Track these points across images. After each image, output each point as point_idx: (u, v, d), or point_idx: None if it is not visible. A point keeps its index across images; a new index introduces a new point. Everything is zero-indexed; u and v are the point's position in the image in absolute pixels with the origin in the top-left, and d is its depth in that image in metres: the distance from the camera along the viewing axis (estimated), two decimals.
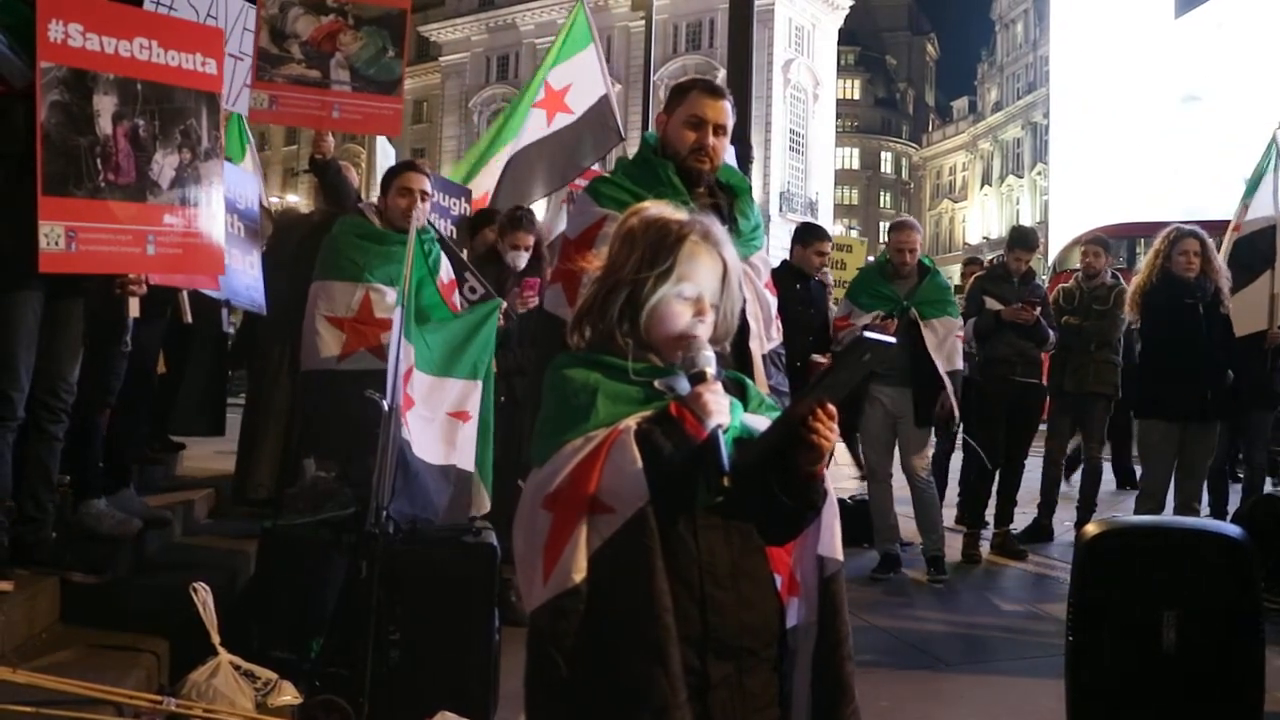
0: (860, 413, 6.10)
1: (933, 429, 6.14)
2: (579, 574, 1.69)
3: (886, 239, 6.43)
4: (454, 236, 5.80)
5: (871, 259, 8.20)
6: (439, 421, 4.09)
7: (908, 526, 6.44)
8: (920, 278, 6.05)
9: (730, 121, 3.13)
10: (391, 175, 4.63)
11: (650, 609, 1.66)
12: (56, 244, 3.20)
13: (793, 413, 1.69)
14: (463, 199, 6.49)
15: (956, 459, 7.46)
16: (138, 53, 3.41)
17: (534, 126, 6.79)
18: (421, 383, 4.01)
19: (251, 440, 5.60)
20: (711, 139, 3.06)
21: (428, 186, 4.55)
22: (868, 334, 1.62)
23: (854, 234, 47.81)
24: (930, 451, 6.20)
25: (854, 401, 6.06)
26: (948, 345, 5.91)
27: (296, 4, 4.88)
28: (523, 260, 5.33)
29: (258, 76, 4.89)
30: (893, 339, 1.71)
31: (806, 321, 6.28)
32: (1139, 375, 6.27)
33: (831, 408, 1.68)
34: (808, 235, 6.71)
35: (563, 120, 6.78)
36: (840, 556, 1.87)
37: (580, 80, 6.81)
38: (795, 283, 6.36)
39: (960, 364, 6.02)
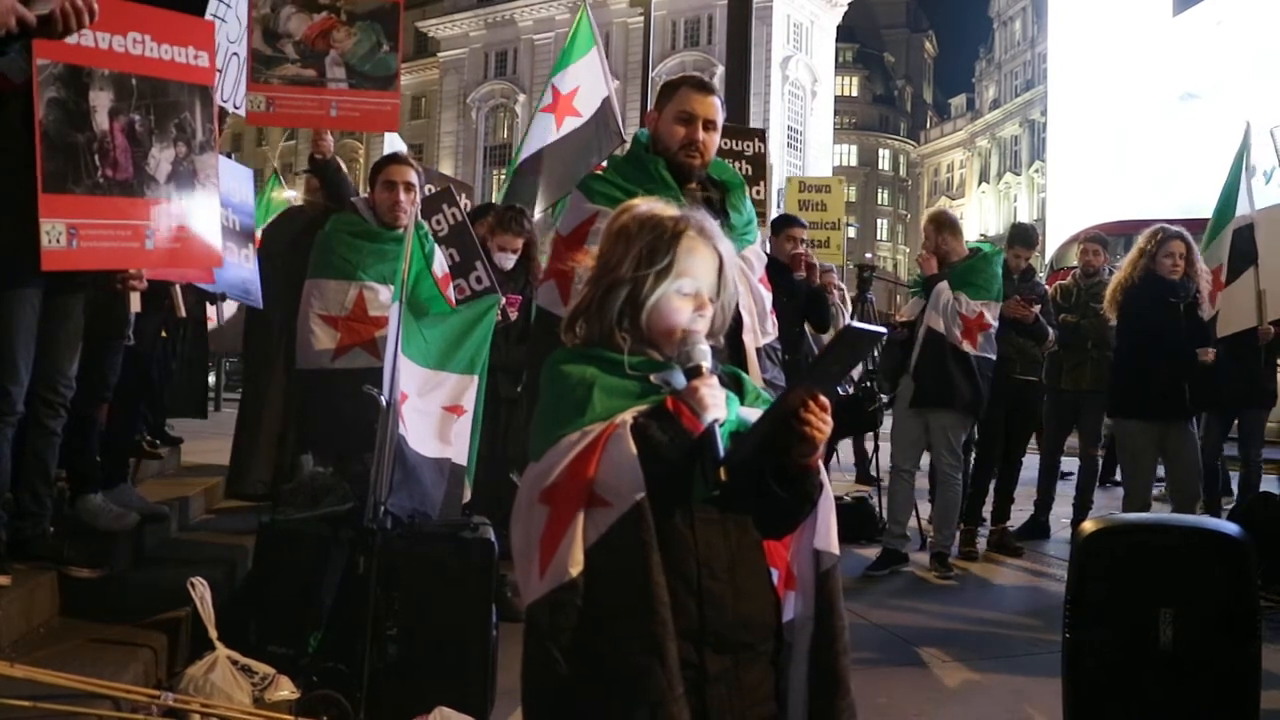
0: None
1: (968, 428, 6.18)
2: (575, 567, 1.70)
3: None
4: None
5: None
6: (434, 415, 4.09)
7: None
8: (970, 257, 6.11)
9: (720, 117, 3.15)
10: (376, 169, 4.62)
11: (646, 603, 1.66)
12: (58, 241, 3.19)
13: (784, 404, 1.69)
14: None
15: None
16: (131, 47, 3.40)
17: (541, 132, 6.83)
18: (415, 375, 4.00)
19: (247, 435, 5.60)
20: (702, 134, 3.08)
21: (413, 179, 4.53)
22: (854, 324, 1.63)
23: (851, 229, 47.80)
24: (958, 446, 6.19)
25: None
26: (950, 317, 5.91)
27: (288, 2, 4.86)
28: (509, 262, 5.33)
29: (252, 78, 4.88)
30: (881, 329, 1.72)
31: (791, 311, 6.28)
32: (1116, 374, 6.26)
33: (824, 399, 1.68)
34: (778, 224, 6.83)
35: (572, 124, 6.82)
36: (836, 550, 1.88)
37: (586, 83, 6.83)
38: (775, 273, 6.46)
39: (990, 352, 6.00)
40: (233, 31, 5.12)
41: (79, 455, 4.23)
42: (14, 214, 3.17)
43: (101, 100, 3.31)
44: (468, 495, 4.26)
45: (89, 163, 3.28)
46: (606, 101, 6.89)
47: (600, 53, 7.02)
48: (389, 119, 5.18)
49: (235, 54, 5.10)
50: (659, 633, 1.65)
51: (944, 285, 5.94)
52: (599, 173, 3.40)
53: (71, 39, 3.19)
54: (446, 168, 54.21)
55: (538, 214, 6.56)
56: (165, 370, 5.88)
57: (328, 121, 4.98)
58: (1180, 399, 5.74)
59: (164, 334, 5.14)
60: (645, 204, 1.92)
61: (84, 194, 3.26)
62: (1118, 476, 8.60)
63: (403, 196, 4.43)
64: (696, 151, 3.07)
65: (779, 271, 6.53)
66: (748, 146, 7.02)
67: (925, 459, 6.34)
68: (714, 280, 1.86)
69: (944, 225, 6.26)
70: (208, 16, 4.21)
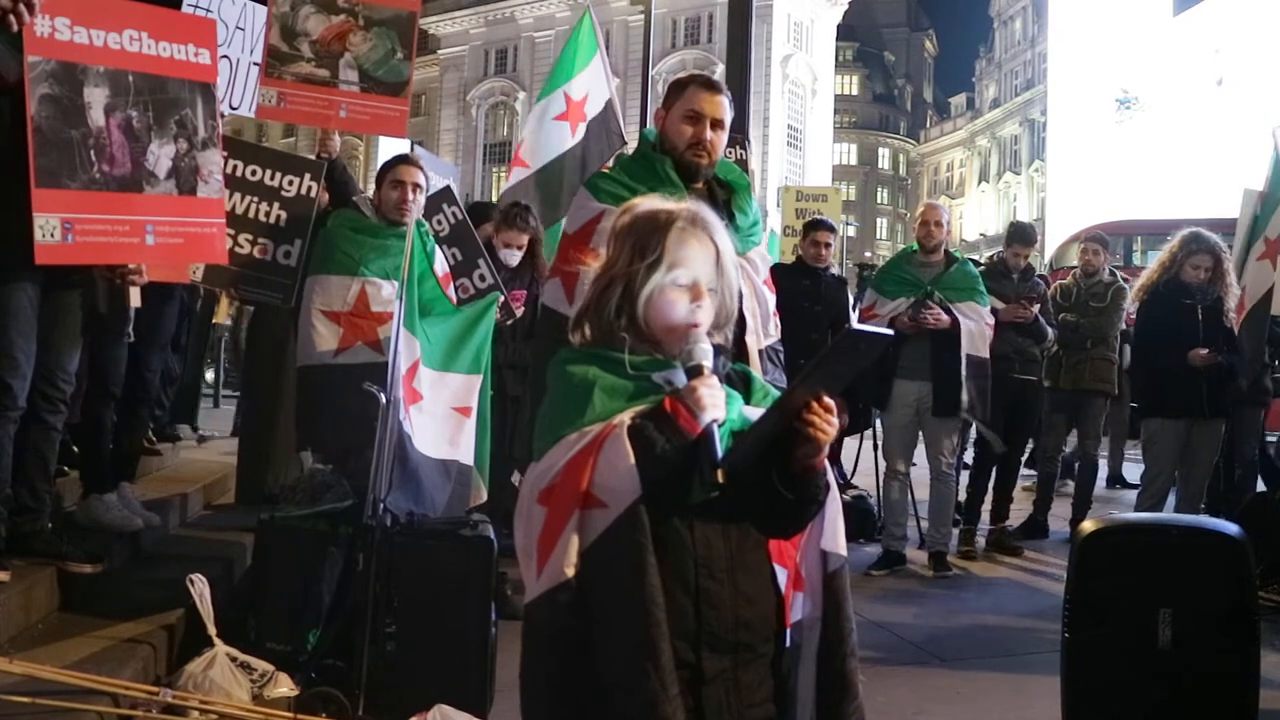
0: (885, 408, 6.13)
1: (960, 424, 6.16)
2: (570, 568, 1.70)
3: (914, 225, 6.44)
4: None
5: (855, 228, 8.28)
6: (442, 416, 4.09)
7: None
8: (948, 265, 6.08)
9: (728, 116, 3.13)
10: (385, 168, 4.63)
11: (640, 604, 1.65)
12: (52, 236, 3.19)
13: (786, 404, 1.68)
14: (453, 179, 6.49)
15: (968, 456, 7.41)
16: (128, 45, 3.40)
17: (560, 140, 6.82)
18: (425, 377, 4.01)
19: (263, 438, 5.61)
20: (709, 133, 3.07)
21: (420, 179, 4.54)
22: (857, 327, 1.61)
23: (851, 228, 47.79)
24: (954, 445, 6.19)
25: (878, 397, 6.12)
26: (976, 331, 5.92)
27: (308, 3, 4.87)
28: (515, 259, 5.34)
29: (266, 73, 4.89)
30: (888, 331, 1.69)
31: (812, 317, 6.27)
32: (1139, 374, 6.26)
33: (829, 400, 1.67)
34: (806, 227, 6.93)
35: (584, 129, 6.82)
36: (844, 551, 1.87)
37: (594, 87, 6.85)
38: (803, 278, 6.50)
39: (986, 353, 5.99)
40: (219, 34, 5.13)
41: (91, 455, 4.23)
42: (8, 209, 3.17)
43: (96, 96, 3.31)
44: (483, 496, 4.25)
45: (84, 158, 3.27)
46: (609, 104, 6.90)
47: (603, 55, 7.03)
48: (397, 125, 5.18)
49: (225, 56, 5.09)
50: (653, 634, 1.64)
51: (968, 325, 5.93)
52: (605, 171, 3.39)
53: (64, 36, 3.20)
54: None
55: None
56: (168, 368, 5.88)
57: (336, 122, 4.99)
58: (1199, 398, 5.75)
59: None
60: (645, 202, 1.90)
61: (80, 189, 3.26)
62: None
63: (410, 196, 4.44)
64: (704, 150, 3.06)
65: (809, 276, 6.59)
66: (729, 153, 6.99)
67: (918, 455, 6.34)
68: (711, 270, 1.83)
69: None
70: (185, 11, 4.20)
